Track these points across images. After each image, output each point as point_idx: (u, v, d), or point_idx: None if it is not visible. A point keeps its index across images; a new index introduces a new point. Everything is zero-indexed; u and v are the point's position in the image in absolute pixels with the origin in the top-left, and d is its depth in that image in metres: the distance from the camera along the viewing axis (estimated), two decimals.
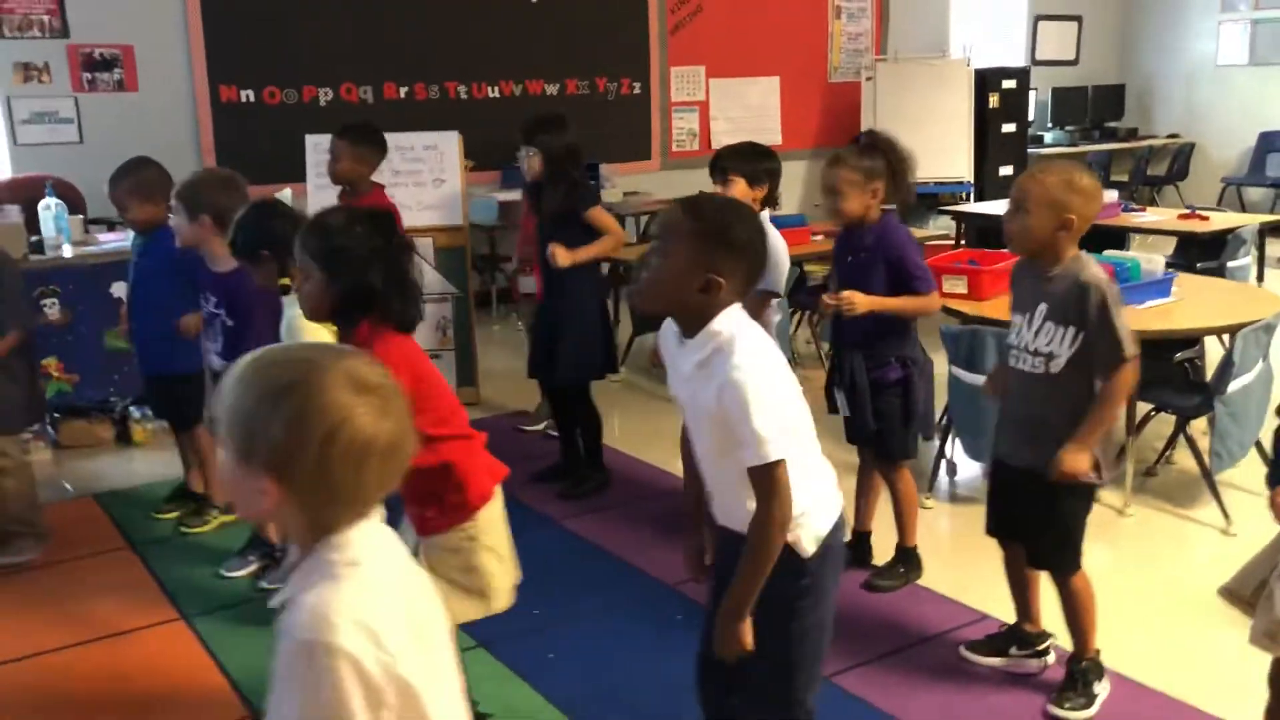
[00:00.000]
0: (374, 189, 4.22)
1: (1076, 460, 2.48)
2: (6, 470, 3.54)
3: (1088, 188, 2.45)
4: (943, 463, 4.17)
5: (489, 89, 7.26)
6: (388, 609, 1.21)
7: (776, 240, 3.20)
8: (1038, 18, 9.78)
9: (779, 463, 1.84)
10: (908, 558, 3.34)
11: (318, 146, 4.94)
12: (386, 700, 1.17)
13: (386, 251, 2.15)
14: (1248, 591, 2.44)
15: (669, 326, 1.98)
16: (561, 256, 3.82)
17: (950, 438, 4.14)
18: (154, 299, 3.71)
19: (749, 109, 8.35)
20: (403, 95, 6.96)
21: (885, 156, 3.02)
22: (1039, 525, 2.60)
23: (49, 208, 4.53)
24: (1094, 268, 2.53)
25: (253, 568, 3.51)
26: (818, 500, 2.01)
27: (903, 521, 3.31)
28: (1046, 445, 2.50)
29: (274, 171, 5.62)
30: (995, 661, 2.88)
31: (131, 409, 4.80)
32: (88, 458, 4.66)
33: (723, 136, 8.22)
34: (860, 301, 3.02)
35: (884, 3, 8.80)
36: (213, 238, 3.24)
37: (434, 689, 1.25)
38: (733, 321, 1.87)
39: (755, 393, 1.81)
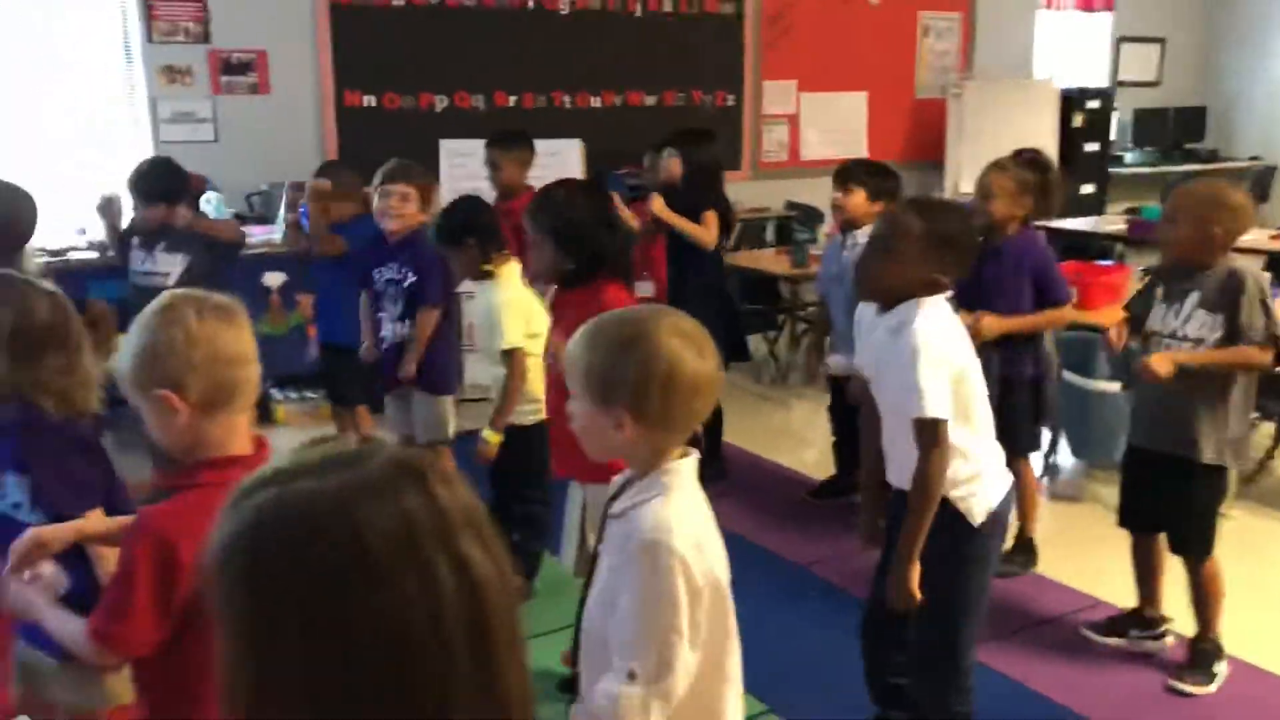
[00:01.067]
0: (528, 190, 4.52)
1: (1162, 364, 2.65)
2: None
3: (1236, 204, 2.68)
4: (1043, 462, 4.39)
5: (592, 99, 7.56)
6: (704, 525, 1.50)
7: None
8: (1121, 39, 9.92)
9: (939, 422, 2.11)
10: (1027, 547, 3.57)
11: (451, 151, 5.27)
12: (703, 599, 1.45)
13: (606, 217, 2.45)
14: None
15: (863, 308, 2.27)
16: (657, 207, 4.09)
17: (1055, 440, 4.36)
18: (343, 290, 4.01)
19: (837, 122, 8.58)
20: (511, 103, 7.27)
21: (1041, 173, 3.25)
22: (1178, 511, 2.82)
23: (209, 201, 4.88)
24: (1242, 261, 2.75)
25: None
26: (989, 471, 2.26)
27: (1024, 512, 3.54)
28: (1186, 428, 2.71)
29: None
30: (1116, 641, 3.10)
31: (273, 390, 5.14)
32: None
33: (812, 149, 8.48)
34: (989, 328, 3.20)
35: (971, 22, 9.00)
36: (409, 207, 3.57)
37: (730, 596, 1.53)
38: (930, 300, 2.15)
39: (926, 354, 2.10)
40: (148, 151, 6.15)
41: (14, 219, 3.07)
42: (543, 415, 3.00)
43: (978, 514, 2.24)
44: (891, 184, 3.70)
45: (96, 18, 6.06)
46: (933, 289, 2.16)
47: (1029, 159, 3.35)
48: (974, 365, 2.23)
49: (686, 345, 1.47)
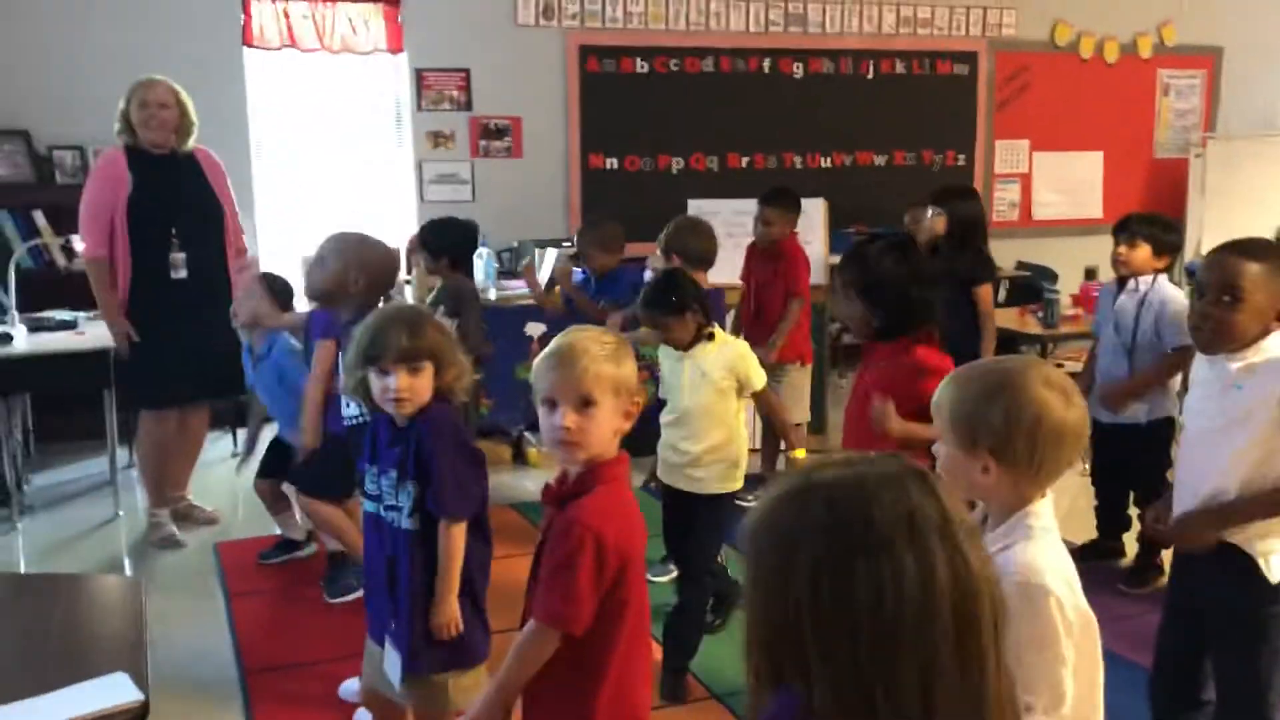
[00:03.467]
0: (790, 236, 4.72)
1: None
2: None
3: None
4: None
5: (822, 159, 7.71)
6: (1067, 562, 1.57)
7: None
8: None
9: None
10: None
11: (698, 210, 5.49)
12: (1074, 631, 1.51)
13: (917, 275, 2.52)
14: None
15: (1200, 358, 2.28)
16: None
17: None
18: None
19: (1071, 182, 8.43)
20: (744, 164, 7.50)
21: None
22: None
23: (480, 256, 5.25)
24: None
25: (674, 574, 3.96)
26: None
27: None
28: None
29: (632, 229, 6.21)
30: None
31: (526, 433, 5.43)
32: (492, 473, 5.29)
33: (1044, 209, 8.35)
34: None
35: (1215, 80, 8.71)
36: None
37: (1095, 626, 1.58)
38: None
39: None
40: (414, 209, 6.66)
41: (392, 267, 3.48)
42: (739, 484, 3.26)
43: (1276, 569, 2.21)
44: (1175, 238, 3.67)
45: (376, 87, 6.63)
46: None
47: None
48: None
49: (1055, 394, 1.54)
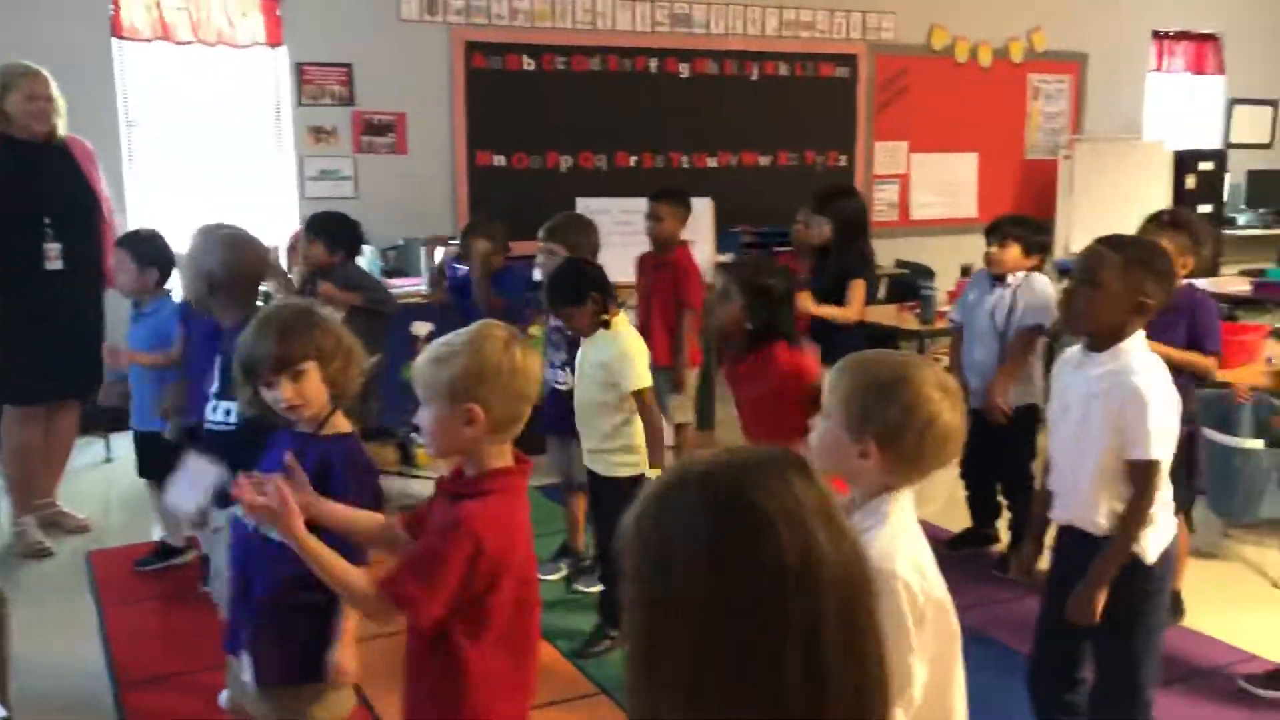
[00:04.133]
0: (681, 245, 4.72)
1: None
2: None
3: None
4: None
5: (709, 159, 7.79)
6: (922, 549, 1.62)
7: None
8: (1233, 101, 9.89)
9: (1158, 463, 2.22)
10: (1174, 600, 3.59)
11: (586, 208, 5.50)
12: (927, 615, 1.56)
13: (790, 293, 2.63)
14: None
15: (1068, 354, 2.39)
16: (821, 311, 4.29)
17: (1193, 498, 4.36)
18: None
19: (948, 183, 8.69)
20: (632, 163, 7.53)
21: (1188, 232, 3.31)
22: None
23: (363, 254, 5.16)
24: None
25: (563, 573, 3.97)
26: (1164, 511, 2.35)
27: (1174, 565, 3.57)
28: None
29: (519, 226, 6.19)
30: (1277, 694, 3.12)
31: (413, 434, 5.36)
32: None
33: (922, 209, 8.59)
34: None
35: (1082, 85, 9.07)
36: None
37: (952, 612, 1.63)
38: (1139, 342, 2.28)
39: (1153, 399, 2.21)
40: (295, 205, 6.51)
41: (263, 261, 3.34)
42: (643, 469, 3.29)
43: (1152, 553, 2.33)
44: (1043, 238, 3.83)
45: (255, 81, 6.45)
46: (1142, 312, 2.29)
47: (1168, 221, 3.39)
48: (1175, 395, 2.35)
49: (947, 398, 1.60)
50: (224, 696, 3.04)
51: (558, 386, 3.80)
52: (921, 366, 1.63)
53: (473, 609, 1.79)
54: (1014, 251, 3.83)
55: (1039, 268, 3.94)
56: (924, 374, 1.61)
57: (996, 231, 3.86)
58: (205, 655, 3.33)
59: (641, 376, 3.30)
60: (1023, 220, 3.92)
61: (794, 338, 2.91)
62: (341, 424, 2.21)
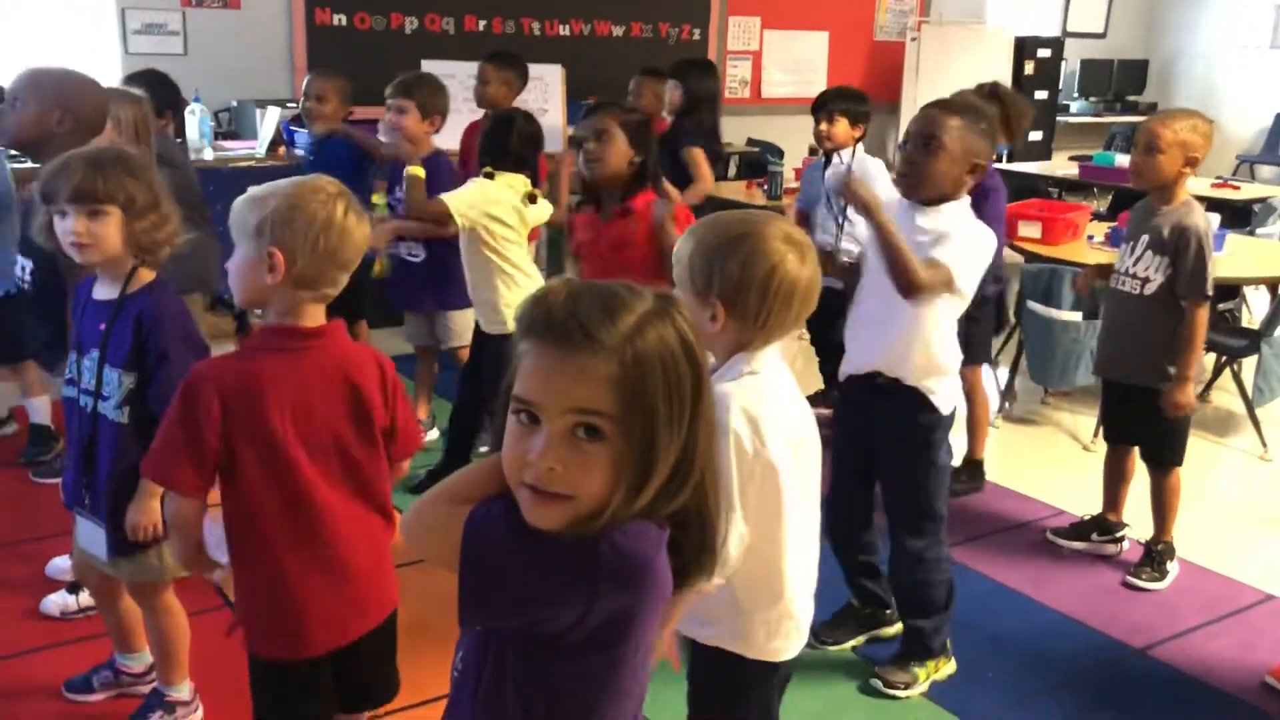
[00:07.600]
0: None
1: (1183, 394, 2.96)
2: None
3: (1210, 133, 2.91)
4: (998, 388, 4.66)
5: (561, 27, 7.59)
6: (770, 408, 1.61)
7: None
8: None
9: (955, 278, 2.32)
10: (975, 469, 3.80)
11: (434, 71, 5.30)
12: (754, 473, 1.58)
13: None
14: None
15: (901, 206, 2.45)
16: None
17: (1015, 366, 4.62)
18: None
19: (798, 61, 8.71)
20: (481, 28, 7.27)
21: (1004, 105, 3.38)
22: (1152, 428, 3.08)
23: (194, 112, 4.87)
24: (1199, 215, 2.97)
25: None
26: (956, 371, 2.50)
27: (974, 430, 3.75)
28: (1153, 361, 2.99)
29: (362, 90, 5.95)
30: (1078, 545, 3.37)
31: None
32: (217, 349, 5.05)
33: (773, 87, 8.61)
34: None
35: None
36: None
37: (794, 483, 1.65)
38: (964, 205, 2.41)
39: (964, 242, 2.33)
40: (116, 63, 6.08)
41: (101, 104, 3.10)
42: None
43: (944, 406, 2.48)
44: (867, 108, 3.91)
45: None
46: (974, 173, 2.36)
47: (989, 92, 3.45)
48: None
49: (792, 251, 1.58)
50: (55, 564, 2.95)
51: (408, 259, 3.71)
52: (768, 221, 1.60)
53: (232, 462, 1.70)
54: (842, 125, 3.89)
55: (863, 138, 4.01)
56: (769, 228, 1.58)
57: (823, 108, 3.91)
58: (32, 525, 3.22)
59: (454, 200, 3.20)
60: (845, 92, 3.99)
61: (659, 179, 2.86)
62: (145, 275, 2.10)
